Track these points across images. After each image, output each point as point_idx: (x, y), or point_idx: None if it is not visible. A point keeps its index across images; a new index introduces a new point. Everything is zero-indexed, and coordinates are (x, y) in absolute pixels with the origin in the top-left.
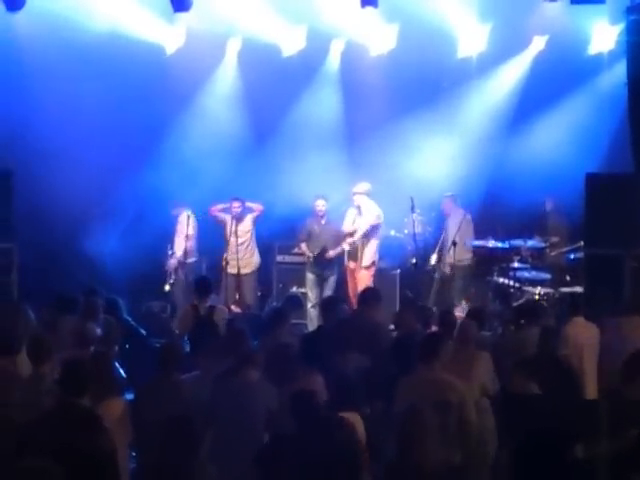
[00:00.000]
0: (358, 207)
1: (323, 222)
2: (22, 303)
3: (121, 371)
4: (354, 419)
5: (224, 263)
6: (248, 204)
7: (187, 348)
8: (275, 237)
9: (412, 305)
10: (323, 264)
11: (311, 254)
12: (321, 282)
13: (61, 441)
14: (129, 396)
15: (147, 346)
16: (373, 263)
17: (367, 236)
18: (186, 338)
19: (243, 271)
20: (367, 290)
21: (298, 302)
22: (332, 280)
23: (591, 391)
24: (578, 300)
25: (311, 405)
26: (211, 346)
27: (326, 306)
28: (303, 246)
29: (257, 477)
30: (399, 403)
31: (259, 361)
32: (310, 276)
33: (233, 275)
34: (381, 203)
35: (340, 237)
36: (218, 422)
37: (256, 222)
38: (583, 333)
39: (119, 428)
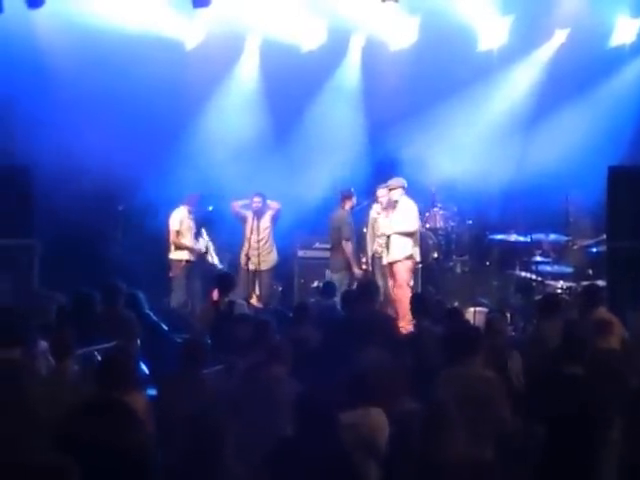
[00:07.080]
0: (394, 202)
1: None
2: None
3: (143, 366)
4: (378, 415)
5: (245, 259)
6: (267, 201)
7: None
8: (297, 232)
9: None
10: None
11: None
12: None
13: (98, 436)
14: (151, 391)
15: (169, 341)
16: (409, 256)
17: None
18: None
19: (261, 267)
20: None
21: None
22: (340, 276)
23: None
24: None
25: (313, 406)
26: (234, 340)
27: (346, 299)
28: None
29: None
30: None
31: (286, 355)
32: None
33: (252, 271)
34: None
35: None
36: (244, 416)
37: (275, 220)
38: None
39: None
